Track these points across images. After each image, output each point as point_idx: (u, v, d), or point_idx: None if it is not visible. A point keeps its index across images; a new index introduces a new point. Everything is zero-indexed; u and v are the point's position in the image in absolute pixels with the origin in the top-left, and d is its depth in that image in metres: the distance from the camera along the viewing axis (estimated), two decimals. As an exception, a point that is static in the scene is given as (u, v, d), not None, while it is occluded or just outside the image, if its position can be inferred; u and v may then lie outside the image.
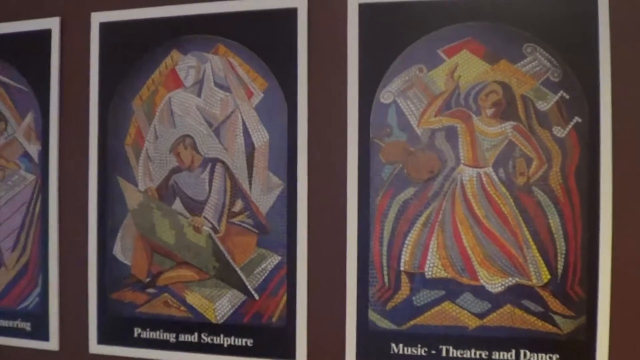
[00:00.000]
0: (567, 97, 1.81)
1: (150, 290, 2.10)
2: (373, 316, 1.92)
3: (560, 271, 1.80)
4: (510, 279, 1.83)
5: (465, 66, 1.87)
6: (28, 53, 2.23)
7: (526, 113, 1.83)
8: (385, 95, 1.92)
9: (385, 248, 1.91)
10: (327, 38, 1.97)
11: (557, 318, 1.80)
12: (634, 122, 1.78)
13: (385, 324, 1.91)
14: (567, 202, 1.80)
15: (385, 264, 1.91)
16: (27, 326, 2.22)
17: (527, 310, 1.82)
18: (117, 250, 2.12)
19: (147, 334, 2.10)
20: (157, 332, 2.09)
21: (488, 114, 1.85)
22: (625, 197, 1.78)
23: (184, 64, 2.08)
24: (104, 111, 2.14)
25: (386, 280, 1.91)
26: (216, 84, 2.05)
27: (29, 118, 2.24)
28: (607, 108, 1.77)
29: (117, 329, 2.13)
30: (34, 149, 2.23)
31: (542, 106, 1.82)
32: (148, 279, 2.10)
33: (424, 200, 1.89)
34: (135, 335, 2.10)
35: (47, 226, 2.19)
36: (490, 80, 1.85)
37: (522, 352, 1.82)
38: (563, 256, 1.80)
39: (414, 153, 1.90)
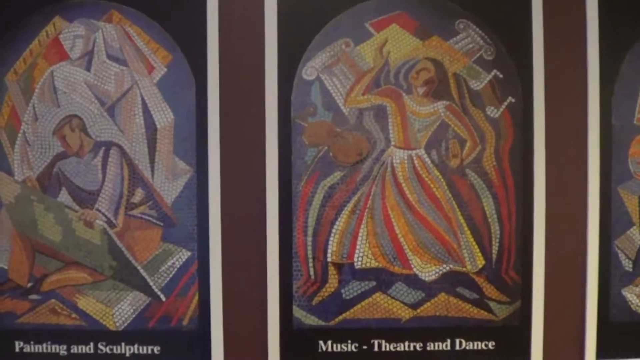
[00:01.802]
0: (501, 76, 1.66)
1: (34, 296, 1.71)
2: (298, 312, 1.68)
3: (494, 256, 1.67)
4: (444, 266, 1.68)
5: (395, 41, 1.67)
6: None
7: (459, 92, 1.67)
8: (308, 71, 1.68)
9: (310, 238, 1.69)
10: (240, 4, 1.70)
11: (492, 304, 1.67)
12: (566, 103, 1.68)
13: (311, 320, 1.69)
14: (501, 184, 1.67)
15: (310, 255, 1.69)
16: None
17: (462, 297, 1.68)
18: (-10, 252, 1.76)
19: (31, 348, 1.71)
20: (44, 345, 1.71)
21: (419, 92, 1.67)
22: (559, 179, 1.67)
23: (70, 32, 1.70)
24: (-33, 86, 1.75)
25: (312, 272, 1.69)
26: (109, 57, 1.70)
27: None
28: (540, 88, 1.66)
29: (-8, 344, 1.77)
30: None
31: (475, 85, 1.67)
32: (30, 284, 1.71)
33: (352, 185, 1.68)
34: (17, 349, 1.71)
35: None
36: (421, 56, 1.67)
37: (457, 341, 1.68)
38: (497, 240, 1.67)
39: (341, 134, 1.68)
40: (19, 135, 1.71)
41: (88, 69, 1.70)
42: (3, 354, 1.73)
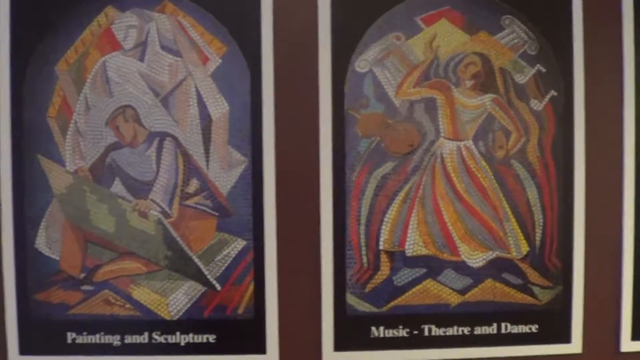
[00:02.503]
0: (544, 70, 1.71)
1: (86, 287, 1.69)
2: (351, 300, 1.71)
3: (538, 243, 1.73)
4: (490, 252, 1.73)
5: (444, 36, 1.70)
6: None
7: (505, 86, 1.71)
8: (361, 63, 1.70)
9: (363, 227, 1.71)
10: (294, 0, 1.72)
11: (535, 289, 1.73)
12: (604, 96, 1.74)
13: (364, 307, 1.71)
14: (544, 174, 1.73)
15: (363, 243, 1.71)
16: None
17: (507, 283, 1.72)
18: (41, 243, 1.68)
19: (84, 339, 1.69)
20: (97, 336, 1.69)
21: (467, 85, 1.71)
22: (597, 170, 1.73)
23: (122, 22, 1.68)
24: (17, 75, 1.67)
25: (365, 260, 1.72)
26: (163, 47, 1.68)
27: None
28: (580, 82, 1.71)
29: (44, 335, 1.69)
30: None
31: (520, 79, 1.72)
32: (83, 275, 1.69)
33: (403, 176, 1.71)
34: (69, 340, 1.69)
35: (-58, 217, 1.73)
36: (469, 51, 1.70)
37: (503, 325, 1.72)
38: (541, 228, 1.73)
39: (392, 126, 1.70)
40: (71, 125, 1.69)
41: (141, 59, 1.69)
42: (55, 346, 1.70)
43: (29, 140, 1.68)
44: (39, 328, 1.70)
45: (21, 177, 1.68)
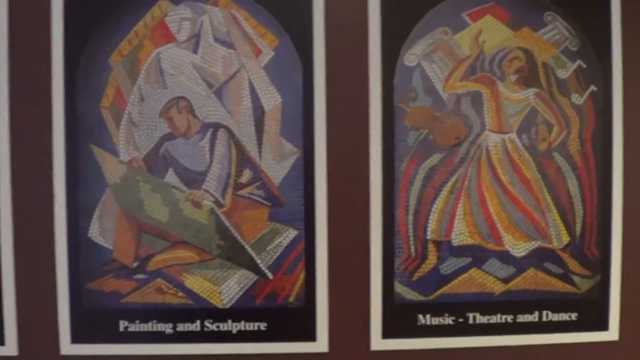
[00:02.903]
0: (584, 66, 1.77)
1: (139, 276, 1.71)
2: (399, 288, 1.74)
3: (578, 233, 1.77)
4: (533, 242, 1.77)
5: (490, 31, 1.74)
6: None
7: (547, 80, 1.76)
8: (410, 57, 1.73)
9: (411, 217, 1.74)
10: None
11: (575, 278, 1.78)
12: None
13: (412, 295, 1.75)
14: (584, 167, 1.78)
15: (411, 233, 1.74)
16: None
17: (548, 272, 1.77)
18: (94, 233, 1.69)
19: (137, 327, 1.70)
20: (150, 324, 1.71)
21: (512, 79, 1.75)
22: (635, 162, 1.78)
23: (176, 15, 1.69)
24: (71, 66, 1.67)
25: (412, 250, 1.75)
26: (216, 40, 1.70)
27: None
28: (618, 78, 1.77)
29: (96, 323, 1.70)
30: None
31: (562, 74, 1.76)
32: (136, 264, 1.70)
33: (450, 167, 1.75)
34: (121, 328, 1.70)
35: (-5, 207, 1.73)
36: (513, 46, 1.75)
37: (544, 313, 1.77)
38: (581, 219, 1.78)
39: (440, 118, 1.74)
40: (124, 116, 1.70)
41: (195, 51, 1.71)
42: (107, 334, 1.71)
43: (82, 131, 1.69)
44: (91, 317, 1.71)
45: (74, 167, 1.69)
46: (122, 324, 1.72)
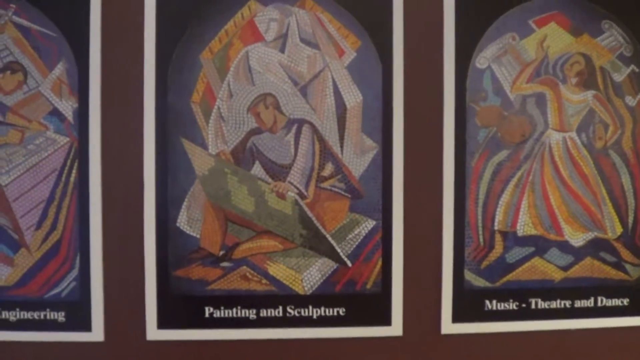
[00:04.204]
0: (637, 70, 1.89)
1: (225, 264, 1.76)
2: (469, 275, 1.83)
3: (630, 225, 1.88)
4: (590, 233, 1.88)
5: (553, 37, 1.85)
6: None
7: (604, 83, 1.87)
8: (481, 60, 1.83)
9: (480, 209, 1.83)
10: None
11: (627, 266, 1.89)
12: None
13: (480, 282, 1.84)
14: (636, 163, 1.89)
15: (480, 224, 1.83)
16: (59, 316, 1.72)
17: (603, 261, 1.88)
18: (183, 222, 1.74)
19: (221, 313, 1.76)
20: (234, 310, 1.77)
21: (572, 82, 1.86)
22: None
23: (264, 15, 1.75)
24: (163, 62, 1.72)
25: (481, 239, 1.84)
26: (302, 40, 1.77)
27: (60, 69, 1.71)
28: (666, 81, 1.93)
29: (182, 310, 1.75)
30: (67, 106, 1.73)
31: (617, 77, 1.88)
32: (222, 252, 1.76)
33: (516, 163, 1.85)
34: (207, 315, 1.75)
35: (88, 197, 1.73)
36: (574, 51, 1.86)
37: (599, 299, 1.89)
38: (633, 211, 1.89)
39: (507, 117, 1.85)
40: (213, 111, 1.75)
41: (282, 50, 1.77)
42: (193, 320, 1.76)
43: (172, 124, 1.74)
44: (178, 303, 1.76)
45: (164, 159, 1.74)
46: (208, 310, 1.77)
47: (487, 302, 1.84)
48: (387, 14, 1.78)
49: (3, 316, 1.74)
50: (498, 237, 1.84)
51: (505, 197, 1.84)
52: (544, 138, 1.85)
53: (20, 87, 1.73)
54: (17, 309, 1.74)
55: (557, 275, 1.86)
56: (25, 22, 1.73)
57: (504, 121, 1.83)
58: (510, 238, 1.85)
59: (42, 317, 1.74)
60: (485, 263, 1.84)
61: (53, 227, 1.74)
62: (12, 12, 1.74)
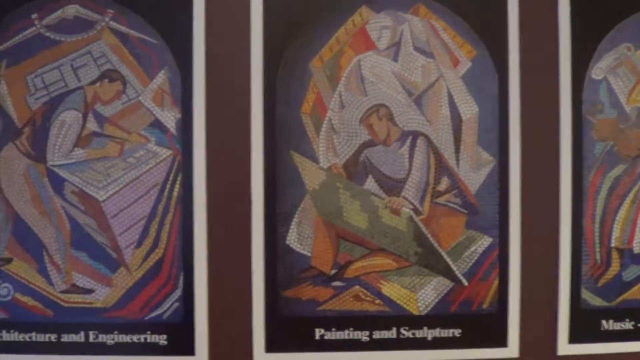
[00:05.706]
0: None
1: (337, 283, 1.65)
2: (585, 294, 1.73)
3: None
4: None
5: (670, 47, 1.80)
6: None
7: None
8: (597, 71, 1.74)
9: (597, 225, 1.73)
10: (538, 9, 1.71)
11: None
12: None
13: (597, 301, 1.73)
14: None
15: (597, 241, 1.74)
16: (161, 339, 1.60)
17: None
18: (293, 239, 1.63)
19: (332, 335, 1.64)
20: (346, 332, 1.65)
21: (689, 94, 1.81)
22: None
23: (376, 23, 1.65)
24: (271, 70, 1.62)
25: (598, 257, 1.74)
26: (416, 49, 1.67)
27: (161, 78, 1.60)
28: None
29: (291, 332, 1.63)
30: (169, 117, 1.62)
31: None
32: (334, 271, 1.64)
33: (633, 177, 1.75)
34: (317, 337, 1.64)
35: (192, 213, 1.61)
36: (689, 62, 1.81)
37: None
38: None
39: (624, 130, 1.77)
40: (325, 122, 1.64)
41: (395, 59, 1.67)
42: (302, 342, 1.64)
43: (282, 136, 1.63)
44: (287, 325, 1.63)
45: (273, 173, 1.62)
46: (318, 332, 1.64)
47: (604, 321, 1.74)
48: (502, 24, 1.69)
49: (100, 339, 1.61)
50: (615, 255, 1.75)
51: (621, 213, 1.75)
52: (660, 152, 1.77)
53: (119, 97, 1.61)
54: (116, 332, 1.61)
55: (673, 293, 1.78)
56: (123, 29, 1.61)
57: (620, 134, 1.74)
58: (627, 255, 1.75)
59: (142, 340, 1.61)
60: (602, 281, 1.74)
61: (155, 245, 1.61)
62: (110, 18, 1.63)
